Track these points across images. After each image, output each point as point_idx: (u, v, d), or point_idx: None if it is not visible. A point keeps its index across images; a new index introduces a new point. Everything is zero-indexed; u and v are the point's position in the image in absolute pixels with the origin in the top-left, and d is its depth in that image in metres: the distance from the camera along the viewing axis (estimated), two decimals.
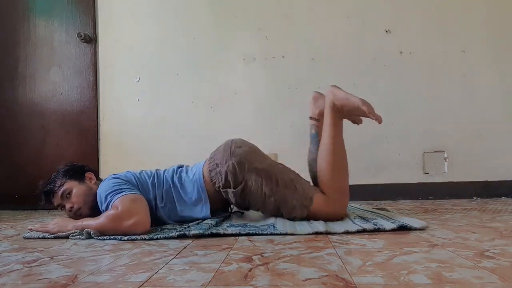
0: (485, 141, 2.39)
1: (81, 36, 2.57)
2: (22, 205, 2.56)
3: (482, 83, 2.42)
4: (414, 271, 0.79)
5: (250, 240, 1.19)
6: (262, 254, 0.99)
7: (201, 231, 1.27)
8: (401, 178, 2.40)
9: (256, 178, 1.44)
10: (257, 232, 1.27)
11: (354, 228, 1.26)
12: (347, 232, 1.24)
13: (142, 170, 1.61)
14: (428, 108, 2.42)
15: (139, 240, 1.26)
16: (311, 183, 1.53)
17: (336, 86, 1.47)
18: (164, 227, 1.46)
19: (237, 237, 1.25)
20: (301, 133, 2.48)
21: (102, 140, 2.62)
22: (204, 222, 1.44)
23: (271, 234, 1.26)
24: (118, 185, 1.42)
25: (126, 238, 1.27)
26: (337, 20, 2.51)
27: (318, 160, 1.48)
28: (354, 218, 1.44)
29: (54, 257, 1.04)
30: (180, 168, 1.62)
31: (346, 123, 1.51)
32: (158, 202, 1.51)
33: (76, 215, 1.49)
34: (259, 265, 0.88)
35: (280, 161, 2.47)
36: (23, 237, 1.40)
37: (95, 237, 1.30)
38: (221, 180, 1.47)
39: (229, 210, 1.69)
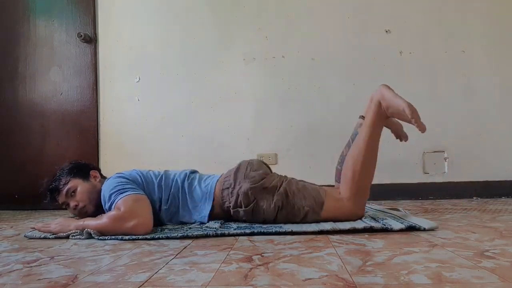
0: (485, 141, 2.39)
1: (81, 36, 2.57)
2: (22, 205, 2.56)
3: (482, 83, 2.42)
4: (414, 271, 0.79)
5: (250, 240, 1.19)
6: (262, 254, 0.99)
7: (205, 233, 1.27)
8: (401, 178, 2.40)
9: (267, 197, 1.42)
10: (263, 231, 1.27)
11: (361, 225, 1.26)
12: (354, 229, 1.23)
13: (150, 170, 1.61)
14: (428, 108, 2.41)
15: (139, 240, 1.26)
16: (334, 176, 1.53)
17: (387, 86, 1.39)
18: (164, 227, 1.46)
19: (237, 237, 1.25)
20: (301, 133, 2.50)
21: (102, 140, 2.62)
22: (206, 225, 1.41)
23: (276, 233, 1.26)
24: (121, 184, 1.41)
25: (127, 238, 1.27)
26: (337, 20, 2.51)
27: (347, 157, 1.45)
28: (365, 218, 1.43)
29: (54, 257, 1.04)
30: (193, 175, 1.60)
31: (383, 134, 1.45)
32: (162, 204, 1.51)
33: (81, 213, 1.50)
34: (259, 265, 0.88)
35: (280, 161, 2.48)
36: (25, 236, 1.41)
37: (96, 237, 1.29)
38: (232, 201, 1.45)
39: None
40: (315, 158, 2.46)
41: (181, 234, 1.27)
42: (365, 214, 1.51)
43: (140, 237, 1.27)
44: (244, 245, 1.12)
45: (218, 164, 2.41)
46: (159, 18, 2.63)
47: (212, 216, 1.49)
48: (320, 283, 0.73)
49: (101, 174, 1.64)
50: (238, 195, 1.44)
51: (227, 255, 0.99)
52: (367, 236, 1.19)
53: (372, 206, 1.85)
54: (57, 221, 1.42)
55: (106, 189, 1.43)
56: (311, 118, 2.48)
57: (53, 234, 1.36)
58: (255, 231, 1.28)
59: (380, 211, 1.67)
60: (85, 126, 2.62)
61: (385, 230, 1.25)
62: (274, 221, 1.44)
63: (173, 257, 0.99)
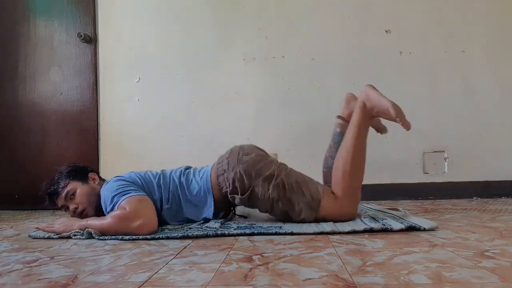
0: (485, 141, 2.39)
1: (81, 36, 2.57)
2: (22, 205, 2.56)
3: (482, 83, 2.42)
4: (414, 271, 0.79)
5: (250, 240, 1.19)
6: (262, 254, 0.99)
7: (205, 233, 1.27)
8: (401, 178, 2.40)
9: (263, 184, 1.43)
10: (262, 232, 1.27)
11: (361, 227, 1.26)
12: (354, 231, 1.24)
13: (147, 171, 1.61)
14: (428, 108, 2.42)
15: (139, 240, 1.26)
16: (322, 179, 1.52)
17: (372, 86, 1.40)
18: (164, 227, 1.46)
19: (237, 237, 1.25)
20: (301, 133, 2.50)
21: (102, 140, 2.62)
22: (206, 226, 1.42)
23: (276, 233, 1.26)
24: (122, 186, 1.41)
25: (127, 238, 1.27)
26: (337, 20, 2.51)
27: (336, 158, 1.46)
28: (364, 218, 1.43)
29: (54, 257, 1.04)
30: (188, 170, 1.61)
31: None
32: (164, 203, 1.51)
33: (81, 216, 1.49)
34: (259, 265, 0.88)
35: (280, 161, 2.47)
36: (29, 236, 1.41)
37: (96, 237, 1.29)
38: (229, 186, 1.46)
39: (231, 209, 1.68)
40: (315, 158, 2.44)
41: (181, 234, 1.27)
42: (365, 214, 1.51)
43: (140, 237, 1.27)
44: (244, 245, 1.12)
45: None
46: (159, 18, 2.63)
47: (215, 205, 1.50)
48: (320, 283, 0.73)
49: (99, 177, 1.64)
50: (234, 180, 1.45)
51: (227, 255, 0.99)
52: (367, 236, 1.19)
53: (372, 206, 1.85)
54: (60, 220, 1.42)
55: (107, 192, 1.42)
56: (311, 118, 2.48)
57: (57, 234, 1.36)
58: (255, 231, 1.28)
59: (380, 211, 1.67)
60: (85, 126, 2.62)
61: (385, 230, 1.25)
62: (272, 211, 1.46)
63: (173, 257, 0.99)
